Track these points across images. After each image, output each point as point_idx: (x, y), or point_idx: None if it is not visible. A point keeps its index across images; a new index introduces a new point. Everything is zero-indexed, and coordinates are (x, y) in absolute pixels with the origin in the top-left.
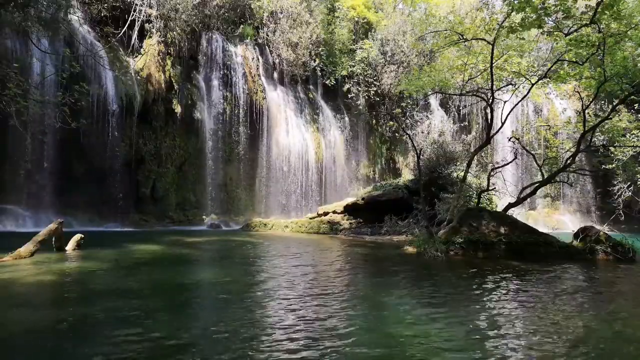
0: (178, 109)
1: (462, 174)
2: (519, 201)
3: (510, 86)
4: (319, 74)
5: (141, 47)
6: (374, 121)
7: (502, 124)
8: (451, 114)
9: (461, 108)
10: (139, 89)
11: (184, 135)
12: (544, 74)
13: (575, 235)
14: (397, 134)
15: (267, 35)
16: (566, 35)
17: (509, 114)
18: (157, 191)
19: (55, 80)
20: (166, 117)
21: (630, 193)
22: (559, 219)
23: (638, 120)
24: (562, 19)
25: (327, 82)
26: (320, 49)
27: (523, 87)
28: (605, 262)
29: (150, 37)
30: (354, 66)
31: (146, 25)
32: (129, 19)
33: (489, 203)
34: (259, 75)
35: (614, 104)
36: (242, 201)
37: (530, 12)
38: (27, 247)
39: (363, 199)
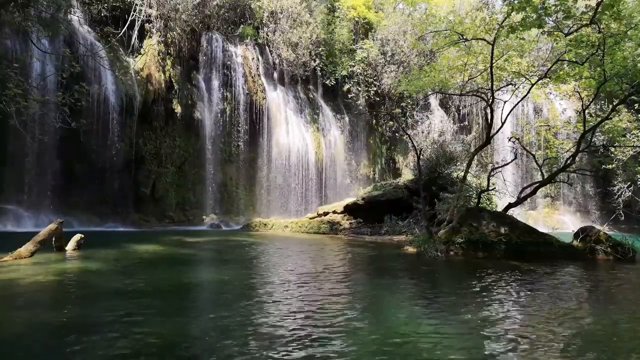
0: (178, 109)
1: (462, 174)
2: (519, 201)
3: (510, 86)
4: (319, 74)
5: (141, 47)
6: (374, 121)
7: (502, 124)
8: (451, 114)
9: (461, 108)
10: (139, 89)
11: (184, 135)
12: (544, 74)
13: (576, 235)
14: (397, 134)
15: (267, 35)
16: (566, 35)
17: (509, 114)
18: (157, 191)
19: (55, 80)
20: (166, 117)
21: (630, 193)
22: (559, 219)
23: (638, 120)
24: (562, 19)
25: (327, 82)
26: (320, 49)
27: (523, 87)
28: (606, 262)
29: (150, 37)
30: (354, 66)
31: (146, 25)
32: (129, 19)
33: (489, 203)
34: (259, 75)
35: (614, 104)
36: (242, 201)
37: (530, 12)
38: (27, 247)
39: (363, 199)
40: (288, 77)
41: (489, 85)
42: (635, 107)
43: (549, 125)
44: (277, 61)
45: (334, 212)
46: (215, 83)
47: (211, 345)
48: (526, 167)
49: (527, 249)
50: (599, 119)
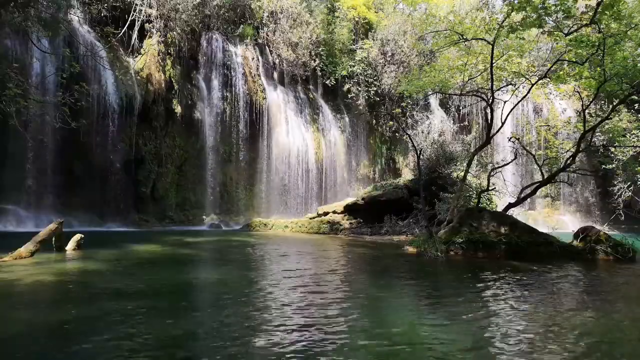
0: (178, 109)
1: (462, 174)
2: (519, 201)
3: (510, 86)
4: (319, 74)
5: (141, 47)
6: (374, 121)
7: (502, 124)
8: (451, 114)
9: (461, 108)
10: (139, 89)
11: (184, 135)
12: (544, 74)
13: (576, 235)
14: (397, 134)
15: (267, 35)
16: (566, 35)
17: (509, 114)
18: (157, 191)
19: (55, 80)
20: (166, 117)
21: (630, 193)
22: (559, 219)
23: (638, 120)
24: (562, 19)
25: (327, 82)
26: (320, 49)
27: (523, 87)
28: (606, 262)
29: (150, 37)
30: (354, 66)
31: (146, 25)
32: (129, 19)
33: (489, 203)
34: (259, 75)
35: (614, 104)
36: (242, 201)
37: (530, 12)
38: (27, 247)
39: (363, 199)
40: (288, 77)
41: (489, 85)
42: (635, 107)
43: (549, 125)
44: (277, 61)
45: (334, 212)
46: (215, 83)
47: (211, 345)
48: (526, 167)
49: (527, 249)
50: (599, 119)
